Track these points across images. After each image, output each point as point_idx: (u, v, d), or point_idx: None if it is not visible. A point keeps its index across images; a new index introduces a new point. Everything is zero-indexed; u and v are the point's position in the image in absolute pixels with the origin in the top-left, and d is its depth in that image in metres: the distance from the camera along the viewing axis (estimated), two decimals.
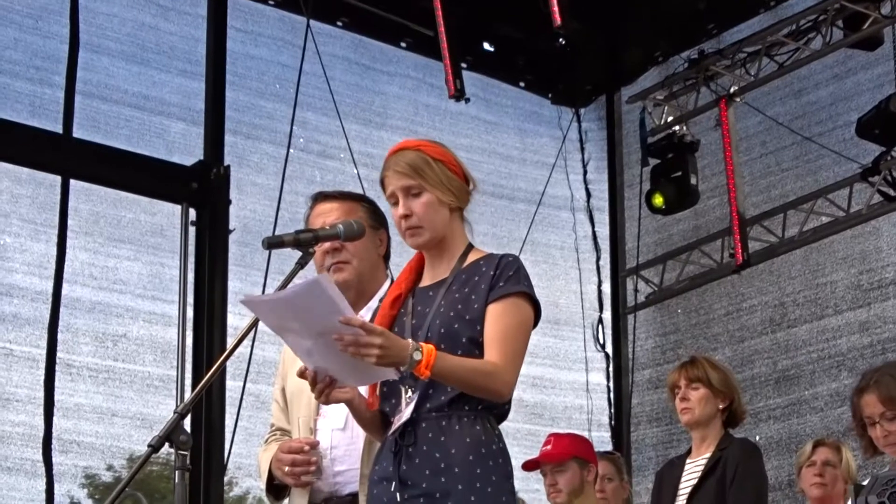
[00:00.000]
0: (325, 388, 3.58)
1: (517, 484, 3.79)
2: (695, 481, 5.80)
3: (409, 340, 3.51)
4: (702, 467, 5.83)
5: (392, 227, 4.08)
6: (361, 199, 4.47)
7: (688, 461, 5.96)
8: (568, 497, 6.40)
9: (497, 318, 3.65)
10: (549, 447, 6.53)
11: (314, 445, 4.13)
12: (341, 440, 4.15)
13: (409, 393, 3.65)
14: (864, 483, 4.15)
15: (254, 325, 3.80)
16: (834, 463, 6.44)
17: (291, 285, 3.62)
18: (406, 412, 3.63)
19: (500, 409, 3.72)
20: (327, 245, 4.21)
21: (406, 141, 3.86)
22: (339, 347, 3.42)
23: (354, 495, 4.07)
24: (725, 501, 5.63)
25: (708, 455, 5.84)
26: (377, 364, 3.44)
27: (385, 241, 4.39)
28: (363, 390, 3.76)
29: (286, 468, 4.12)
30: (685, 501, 5.80)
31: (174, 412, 3.62)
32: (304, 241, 3.86)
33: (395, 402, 3.70)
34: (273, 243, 3.89)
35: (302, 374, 3.59)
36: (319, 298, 3.39)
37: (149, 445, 3.58)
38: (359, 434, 4.05)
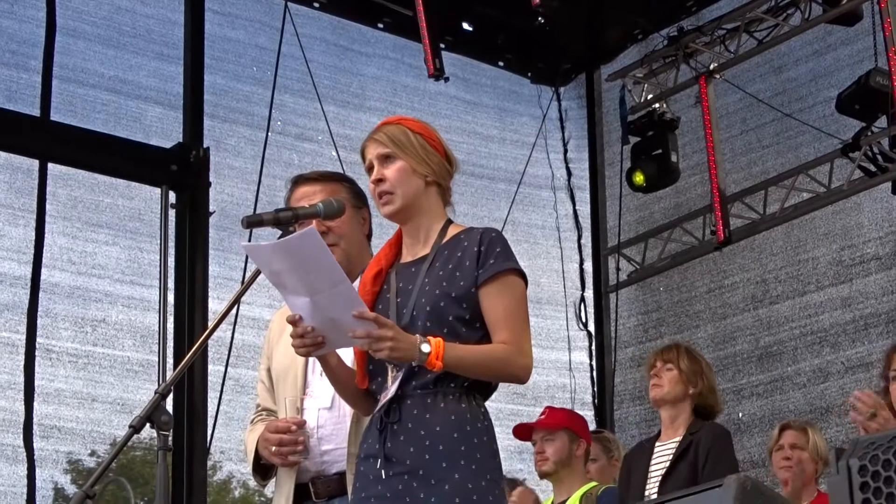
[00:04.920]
0: (311, 346, 3.56)
1: (503, 465, 3.78)
2: (666, 464, 5.81)
3: (417, 335, 3.52)
4: (672, 450, 5.83)
5: (374, 208, 4.06)
6: (342, 179, 4.45)
7: (657, 444, 5.97)
8: (554, 466, 6.43)
9: (495, 299, 3.64)
10: (543, 416, 6.59)
11: (301, 425, 4.11)
12: (328, 419, 4.12)
13: (395, 371, 3.64)
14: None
15: (235, 302, 3.78)
16: (801, 445, 6.43)
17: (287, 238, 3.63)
18: (391, 389, 3.62)
19: (486, 387, 3.71)
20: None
21: (390, 117, 3.90)
22: (359, 345, 3.50)
23: (342, 474, 4.04)
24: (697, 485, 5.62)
25: (678, 439, 5.85)
26: (388, 358, 3.49)
27: (368, 219, 4.38)
28: (348, 358, 3.76)
29: (273, 448, 4.10)
30: (657, 486, 5.80)
31: (155, 392, 3.59)
32: (284, 220, 3.86)
33: (381, 380, 3.69)
34: (253, 222, 3.90)
35: (293, 321, 3.56)
36: (313, 250, 3.43)
37: (130, 426, 3.56)
38: (346, 413, 4.04)
